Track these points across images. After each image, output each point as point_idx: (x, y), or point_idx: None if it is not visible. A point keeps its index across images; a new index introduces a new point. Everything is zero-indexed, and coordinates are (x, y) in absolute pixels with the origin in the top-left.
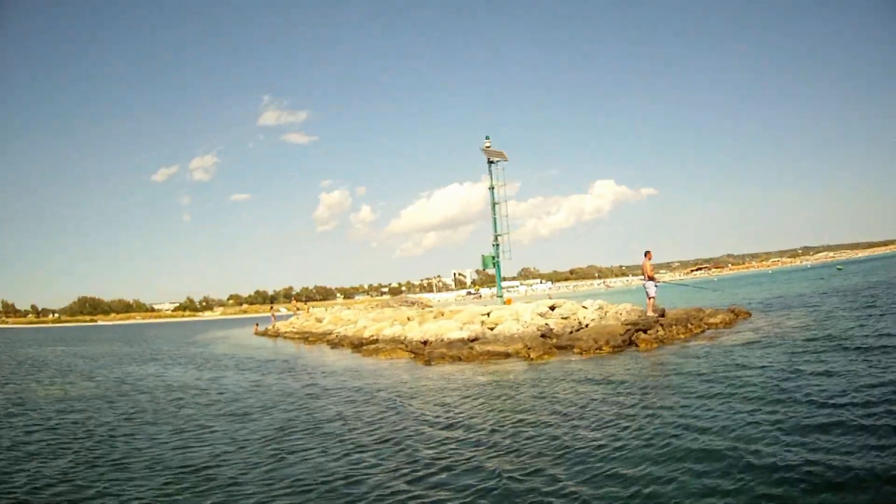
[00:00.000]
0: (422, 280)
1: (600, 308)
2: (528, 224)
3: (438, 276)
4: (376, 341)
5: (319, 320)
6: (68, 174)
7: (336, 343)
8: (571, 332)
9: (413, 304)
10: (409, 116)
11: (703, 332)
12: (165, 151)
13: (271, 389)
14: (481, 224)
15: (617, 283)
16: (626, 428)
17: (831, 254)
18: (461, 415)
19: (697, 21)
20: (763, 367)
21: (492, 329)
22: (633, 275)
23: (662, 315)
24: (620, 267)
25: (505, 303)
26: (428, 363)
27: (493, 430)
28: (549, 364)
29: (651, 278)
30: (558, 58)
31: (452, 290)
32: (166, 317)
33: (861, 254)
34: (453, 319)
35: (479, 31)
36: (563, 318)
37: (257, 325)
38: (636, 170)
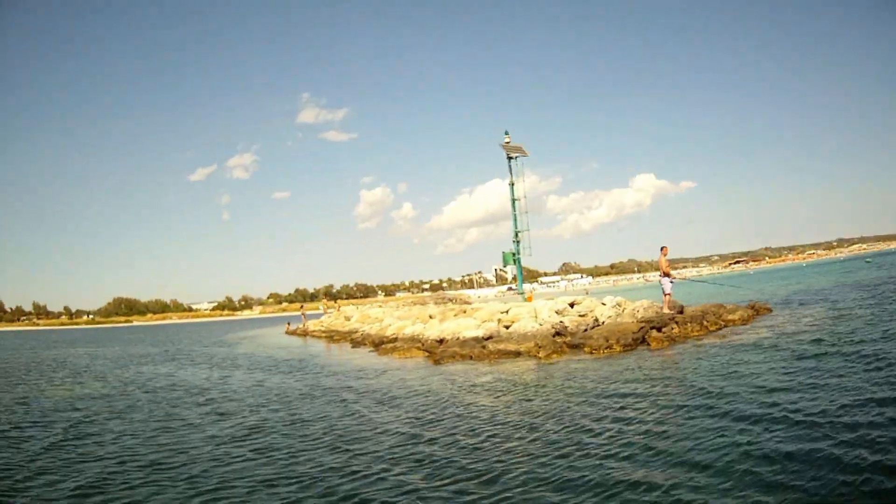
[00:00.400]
0: (463, 276)
1: (618, 305)
2: (570, 218)
3: (479, 272)
4: (395, 340)
5: (348, 319)
6: (106, 175)
7: (359, 342)
8: (586, 331)
9: (449, 300)
10: (449, 112)
11: (719, 329)
12: (204, 151)
13: (269, 389)
14: (522, 219)
15: (657, 276)
16: (574, 444)
17: (865, 246)
18: (423, 420)
19: (734, 13)
20: (756, 374)
21: (507, 327)
22: (673, 268)
23: (680, 312)
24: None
25: (526, 300)
26: (438, 363)
27: (437, 440)
28: (556, 364)
29: (667, 275)
30: (598, 51)
31: (494, 286)
32: (204, 316)
33: (893, 245)
34: (473, 317)
35: (518, 26)
36: (580, 316)
37: (289, 324)
38: (676, 163)
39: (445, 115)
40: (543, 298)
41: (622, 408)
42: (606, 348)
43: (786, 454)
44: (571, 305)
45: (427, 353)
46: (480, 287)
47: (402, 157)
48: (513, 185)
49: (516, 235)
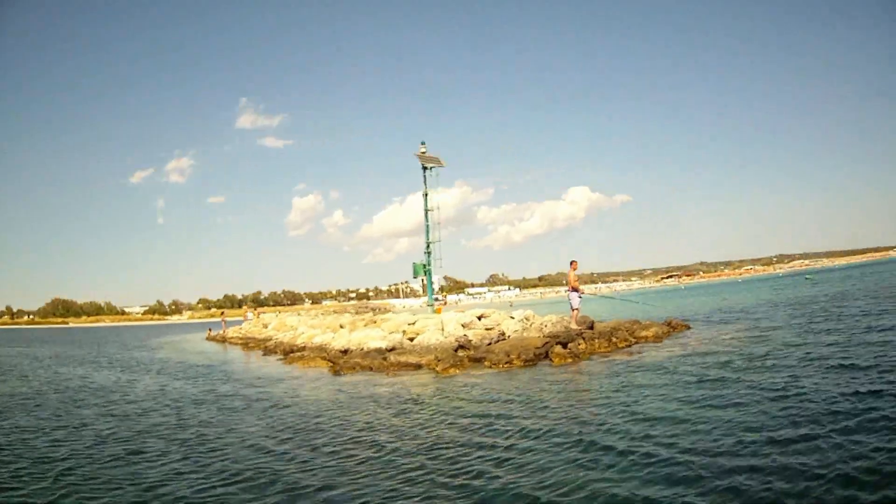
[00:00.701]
0: (390, 286)
1: (525, 319)
2: (501, 230)
3: (406, 282)
4: (304, 349)
5: (265, 326)
6: (47, 175)
7: (271, 350)
8: (490, 344)
9: (372, 310)
10: (383, 120)
11: (628, 346)
12: (143, 154)
13: (168, 394)
14: (451, 230)
15: (586, 289)
16: (414, 467)
17: (807, 262)
18: (288, 431)
19: (676, 28)
20: (643, 399)
21: (412, 339)
22: (603, 282)
23: (590, 327)
24: (591, 274)
25: (435, 312)
26: (337, 373)
27: (287, 454)
28: (453, 378)
29: (575, 289)
30: (534, 63)
31: (420, 296)
32: (135, 320)
33: (839, 262)
34: (380, 328)
35: (455, 35)
36: (486, 329)
37: (210, 330)
38: (611, 176)
39: (379, 123)
40: (454, 311)
41: (480, 429)
42: (506, 363)
43: (635, 497)
44: (480, 318)
45: (330, 364)
46: (407, 297)
47: (336, 165)
48: (426, 195)
49: (428, 246)
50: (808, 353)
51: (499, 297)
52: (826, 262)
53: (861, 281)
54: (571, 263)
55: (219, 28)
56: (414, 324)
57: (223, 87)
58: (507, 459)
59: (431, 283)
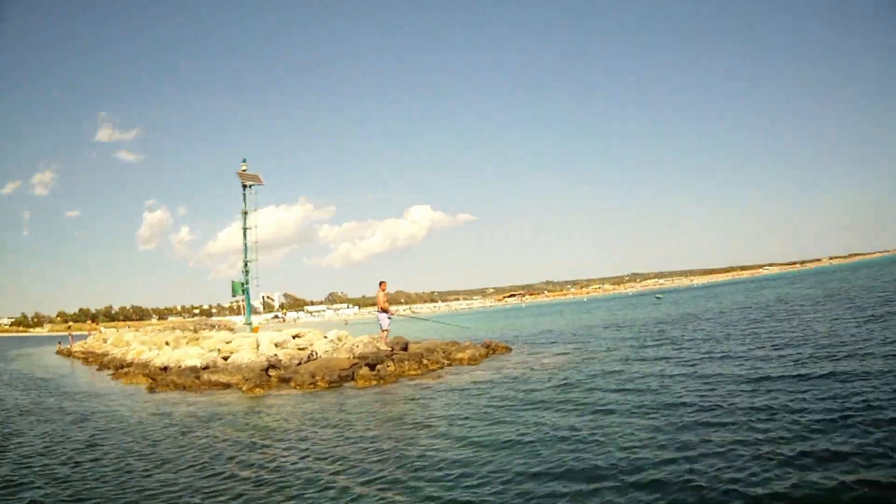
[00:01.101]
0: (231, 302)
1: (337, 339)
2: (342, 248)
3: None
4: (131, 365)
5: (105, 341)
6: None
7: (105, 365)
8: (299, 364)
9: (212, 326)
10: (227, 137)
11: (440, 368)
12: (13, 165)
13: (5, 405)
14: (293, 247)
15: (424, 308)
16: (139, 491)
17: (662, 281)
18: (78, 442)
19: (525, 55)
20: (415, 436)
21: (226, 358)
22: (443, 301)
23: (405, 348)
24: (432, 293)
25: (253, 330)
26: (152, 390)
27: (53, 468)
28: (255, 398)
29: (385, 310)
30: (375, 82)
31: (260, 313)
32: (2, 331)
33: (699, 280)
34: (200, 346)
35: (307, 52)
36: (299, 349)
37: (60, 343)
38: (453, 196)
39: (221, 138)
40: (273, 330)
41: (230, 456)
42: (311, 384)
43: None
44: (295, 337)
45: (150, 380)
46: None
47: (183, 181)
48: (245, 213)
49: (246, 265)
50: (625, 382)
51: (338, 314)
52: (685, 281)
53: (714, 300)
54: (380, 284)
55: (84, 40)
56: (230, 342)
57: (84, 98)
58: (224, 492)
59: (249, 301)
